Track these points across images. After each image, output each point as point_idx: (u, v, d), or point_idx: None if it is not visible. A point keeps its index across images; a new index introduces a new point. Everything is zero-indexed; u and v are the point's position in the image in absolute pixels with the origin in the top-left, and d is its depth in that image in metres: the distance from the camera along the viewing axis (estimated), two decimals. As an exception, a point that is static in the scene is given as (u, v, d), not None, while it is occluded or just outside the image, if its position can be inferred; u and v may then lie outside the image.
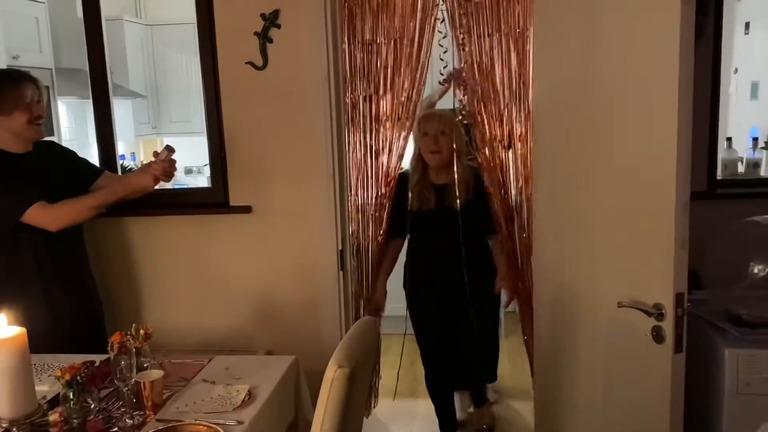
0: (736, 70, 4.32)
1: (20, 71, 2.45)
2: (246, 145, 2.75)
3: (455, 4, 2.85)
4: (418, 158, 2.83)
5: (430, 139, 2.73)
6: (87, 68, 2.89)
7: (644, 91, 1.87)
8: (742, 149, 3.42)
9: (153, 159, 2.44)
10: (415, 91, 2.90)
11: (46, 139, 2.57)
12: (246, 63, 2.66)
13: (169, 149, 2.43)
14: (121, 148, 3.59)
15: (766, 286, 2.15)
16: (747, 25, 4.40)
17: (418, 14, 2.88)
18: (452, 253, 2.80)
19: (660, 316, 1.83)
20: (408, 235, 3.03)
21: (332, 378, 1.56)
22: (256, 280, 2.80)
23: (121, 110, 4.49)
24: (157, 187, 2.48)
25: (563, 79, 2.32)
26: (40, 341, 1.69)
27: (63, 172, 2.51)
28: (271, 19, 2.61)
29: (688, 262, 1.80)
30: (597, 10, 2.08)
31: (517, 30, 2.84)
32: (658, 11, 1.77)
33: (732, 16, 3.84)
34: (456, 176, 2.74)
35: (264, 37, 2.63)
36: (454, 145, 2.76)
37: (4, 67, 2.99)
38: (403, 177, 2.90)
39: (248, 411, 1.82)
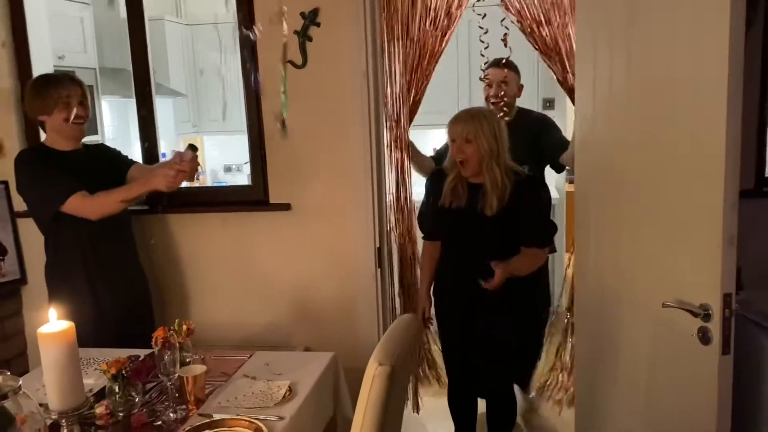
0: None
1: (62, 72, 2.53)
2: (285, 142, 2.76)
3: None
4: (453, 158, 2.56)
5: (455, 147, 2.46)
6: (130, 68, 2.94)
7: (692, 84, 1.83)
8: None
9: (177, 156, 2.45)
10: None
11: (98, 141, 2.62)
12: (287, 62, 2.67)
13: (193, 149, 2.44)
14: (162, 146, 3.64)
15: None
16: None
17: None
18: (480, 253, 2.49)
19: (707, 317, 1.79)
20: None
21: (373, 375, 1.55)
22: (294, 277, 2.82)
23: (162, 109, 4.55)
24: (196, 184, 2.51)
25: (606, 73, 2.27)
26: (83, 332, 1.71)
27: (109, 171, 2.57)
28: (311, 18, 2.62)
29: (738, 263, 1.77)
30: (639, 3, 2.05)
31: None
32: (706, 2, 1.74)
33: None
34: (487, 179, 2.44)
35: (304, 36, 2.64)
36: (483, 150, 2.43)
37: (51, 66, 3.05)
38: (438, 173, 2.67)
39: (289, 407, 1.84)
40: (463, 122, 2.45)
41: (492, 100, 3.11)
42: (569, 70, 2.90)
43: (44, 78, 2.51)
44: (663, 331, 2.00)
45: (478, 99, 3.57)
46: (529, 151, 2.97)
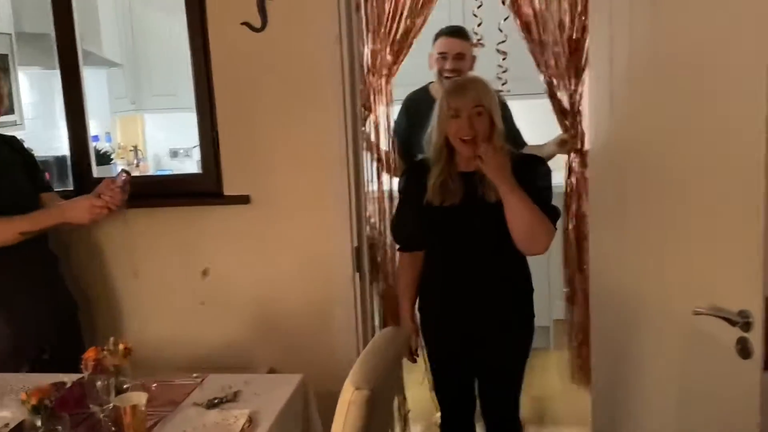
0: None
1: None
2: (243, 122, 2.74)
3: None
4: (444, 142, 2.35)
5: (463, 122, 2.27)
6: (53, 33, 2.89)
7: (728, 60, 1.84)
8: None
9: (108, 183, 2.42)
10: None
11: (15, 122, 2.56)
12: (241, 24, 2.64)
13: (127, 173, 2.42)
14: (94, 127, 3.59)
15: None
16: None
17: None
18: (484, 263, 2.42)
19: (746, 326, 1.81)
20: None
21: (349, 401, 1.56)
22: (256, 284, 2.80)
23: (93, 82, 4.50)
24: (136, 172, 2.48)
25: (625, 48, 2.30)
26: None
27: (21, 168, 2.52)
28: (271, -28, 2.60)
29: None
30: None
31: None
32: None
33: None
34: (492, 164, 2.27)
35: (263, -6, 2.62)
36: (498, 121, 2.33)
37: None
38: (418, 167, 2.53)
39: (252, 439, 1.83)
40: (471, 89, 2.34)
41: (446, 75, 3.15)
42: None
43: None
44: (695, 342, 2.03)
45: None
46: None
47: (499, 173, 2.24)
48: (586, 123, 2.68)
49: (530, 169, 2.38)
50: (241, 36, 2.65)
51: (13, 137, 2.67)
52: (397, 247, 2.70)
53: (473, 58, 3.29)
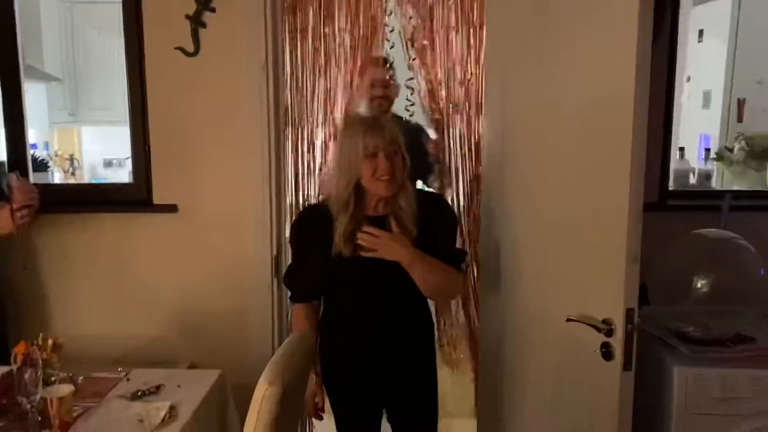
0: (688, 78, 4.47)
1: None
2: (173, 137, 2.70)
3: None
4: (354, 185, 2.02)
5: (381, 161, 1.97)
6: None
7: (600, 100, 1.92)
8: (693, 159, 3.57)
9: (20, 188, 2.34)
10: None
11: None
12: (176, 48, 2.61)
13: (17, 176, 2.34)
14: (32, 136, 3.48)
15: (710, 301, 2.21)
16: (701, 32, 4.56)
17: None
18: (396, 309, 2.15)
19: (609, 332, 1.88)
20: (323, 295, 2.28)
21: (262, 397, 1.55)
22: (180, 287, 2.76)
23: (33, 94, 4.36)
24: (71, 181, 2.41)
25: (516, 90, 2.37)
26: None
27: None
28: (205, 2, 2.58)
29: (641, 278, 1.86)
30: (551, 13, 2.14)
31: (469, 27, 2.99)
32: (615, 14, 1.84)
33: (686, 23, 3.98)
34: (404, 200, 2.07)
35: (196, 21, 2.59)
36: (407, 161, 2.06)
37: None
38: (318, 214, 2.13)
39: (173, 427, 1.80)
40: (387, 126, 2.06)
41: (378, 101, 3.04)
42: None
43: None
44: (569, 346, 2.07)
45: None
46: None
47: (394, 252, 2.02)
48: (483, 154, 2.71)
49: (435, 211, 2.15)
50: (175, 59, 2.62)
51: None
52: (290, 297, 2.32)
53: (398, 86, 3.18)
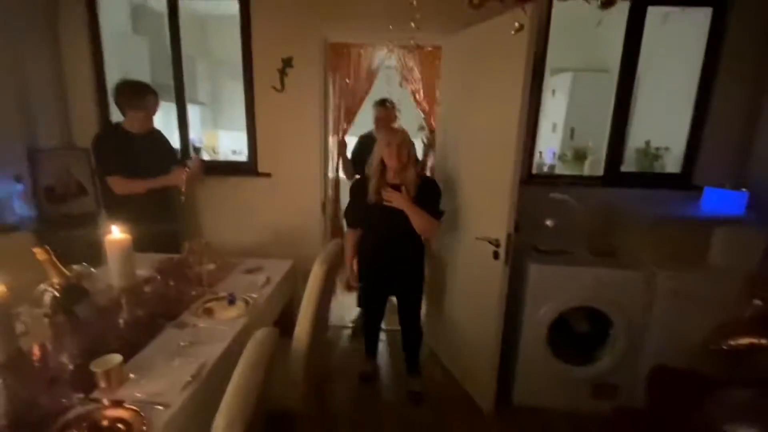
0: (545, 116, 4.46)
1: (146, 84, 2.21)
2: (269, 136, 2.66)
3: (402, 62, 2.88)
4: (380, 162, 2.01)
5: (393, 149, 1.95)
6: (172, 84, 2.72)
7: (499, 124, 1.90)
8: (545, 159, 3.58)
9: (191, 160, 2.29)
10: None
11: (158, 128, 2.37)
12: (271, 87, 2.56)
13: (197, 151, 2.27)
14: (193, 135, 3.41)
15: (554, 232, 2.22)
16: (553, 91, 4.51)
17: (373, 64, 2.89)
18: (396, 237, 2.07)
19: (497, 245, 1.92)
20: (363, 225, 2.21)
21: (315, 273, 1.56)
22: (271, 216, 2.74)
23: (193, 113, 4.25)
24: (221, 157, 2.34)
25: (454, 108, 2.33)
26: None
27: (160, 152, 2.34)
28: (288, 62, 2.51)
29: (516, 217, 1.87)
30: (472, 71, 2.10)
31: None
32: (509, 77, 1.80)
33: (547, 85, 3.91)
34: (407, 177, 2.01)
35: (282, 72, 2.53)
36: (411, 154, 2.01)
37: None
38: (362, 179, 2.12)
39: (266, 288, 1.81)
40: (398, 133, 2.00)
41: (381, 124, 2.71)
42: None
43: (136, 84, 2.18)
44: (476, 253, 2.09)
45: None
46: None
47: (402, 204, 1.97)
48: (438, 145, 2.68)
49: (428, 189, 2.04)
50: (270, 93, 2.57)
51: (160, 131, 2.40)
52: (346, 226, 2.21)
53: (395, 117, 2.78)
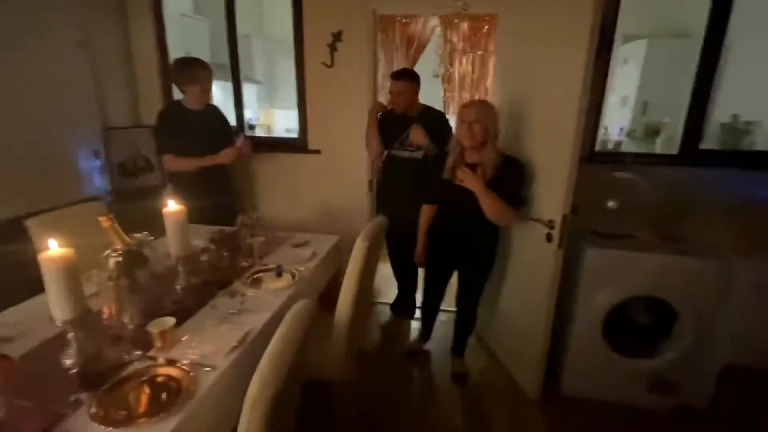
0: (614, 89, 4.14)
1: (197, 59, 2.26)
2: (319, 113, 2.67)
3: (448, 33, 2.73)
4: (457, 140, 1.90)
5: (465, 126, 1.82)
6: (228, 63, 2.79)
7: (561, 95, 1.77)
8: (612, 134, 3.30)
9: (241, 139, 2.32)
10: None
11: (215, 104, 2.46)
12: (321, 63, 2.55)
13: (245, 136, 2.28)
14: (249, 113, 3.52)
15: (616, 215, 2.06)
16: (625, 60, 4.14)
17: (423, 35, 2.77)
18: (467, 219, 1.93)
19: (552, 227, 1.81)
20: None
21: (358, 247, 1.56)
22: (320, 193, 2.78)
23: (249, 91, 4.40)
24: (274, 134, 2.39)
25: (511, 80, 2.19)
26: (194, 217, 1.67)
27: (216, 128, 2.42)
28: (337, 36, 2.49)
29: (574, 198, 1.75)
30: (530, 40, 1.94)
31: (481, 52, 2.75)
32: (573, 47, 1.66)
33: (617, 54, 3.57)
34: (484, 156, 1.85)
35: (332, 47, 2.51)
36: (487, 131, 1.83)
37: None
38: (441, 156, 2.00)
39: (312, 262, 1.84)
40: (471, 108, 1.85)
41: (394, 100, 2.34)
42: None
43: (187, 60, 2.22)
44: (529, 234, 1.99)
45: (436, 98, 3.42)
46: (436, 138, 2.27)
47: (472, 185, 1.83)
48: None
49: (509, 171, 1.86)
50: (320, 69, 2.57)
51: (216, 107, 2.46)
52: (423, 201, 2.11)
53: (414, 90, 2.31)
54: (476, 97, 2.86)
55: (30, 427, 0.89)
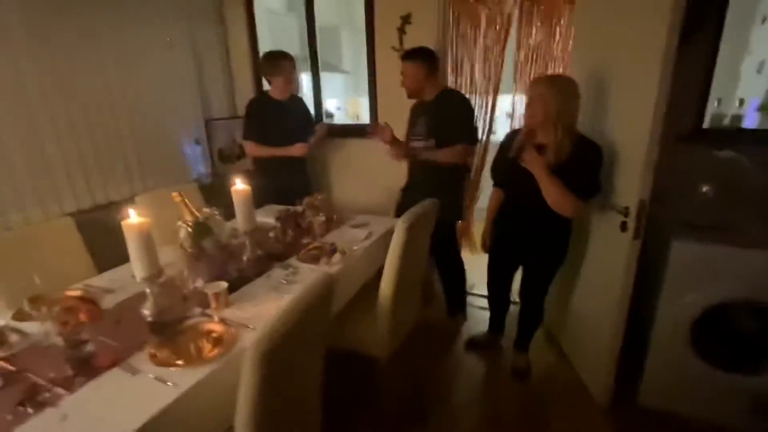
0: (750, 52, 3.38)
1: (281, 51, 2.41)
2: (389, 99, 2.69)
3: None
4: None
5: (529, 103, 1.69)
6: (308, 55, 2.96)
7: (643, 61, 1.58)
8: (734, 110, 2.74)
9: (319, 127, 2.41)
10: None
11: (299, 96, 2.62)
12: (391, 47, 2.57)
13: (324, 124, 2.39)
14: (335, 103, 3.68)
15: (715, 202, 1.76)
16: (764, 18, 3.38)
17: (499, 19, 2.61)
18: (532, 204, 1.73)
19: (626, 214, 1.62)
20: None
21: (400, 227, 1.58)
22: (390, 178, 2.77)
23: (337, 81, 4.58)
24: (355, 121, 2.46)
25: (588, 55, 1.99)
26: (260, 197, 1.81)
27: (298, 117, 2.57)
28: (406, 19, 2.48)
29: (661, 183, 1.53)
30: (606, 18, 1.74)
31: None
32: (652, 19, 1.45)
33: (753, 11, 2.94)
34: (550, 137, 1.67)
35: (402, 31, 2.51)
36: (549, 109, 1.64)
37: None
38: (513, 133, 1.87)
39: (365, 243, 1.88)
40: (536, 82, 1.70)
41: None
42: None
43: (272, 53, 2.36)
44: (602, 222, 1.83)
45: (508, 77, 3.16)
46: (458, 124, 2.11)
47: (534, 168, 1.67)
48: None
49: (581, 156, 1.66)
50: (390, 54, 2.59)
51: (301, 98, 2.62)
52: (493, 183, 2.01)
53: (420, 71, 2.12)
54: (552, 71, 2.61)
55: (105, 359, 1.10)
